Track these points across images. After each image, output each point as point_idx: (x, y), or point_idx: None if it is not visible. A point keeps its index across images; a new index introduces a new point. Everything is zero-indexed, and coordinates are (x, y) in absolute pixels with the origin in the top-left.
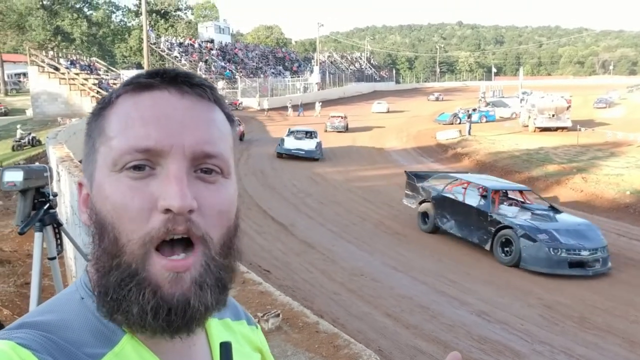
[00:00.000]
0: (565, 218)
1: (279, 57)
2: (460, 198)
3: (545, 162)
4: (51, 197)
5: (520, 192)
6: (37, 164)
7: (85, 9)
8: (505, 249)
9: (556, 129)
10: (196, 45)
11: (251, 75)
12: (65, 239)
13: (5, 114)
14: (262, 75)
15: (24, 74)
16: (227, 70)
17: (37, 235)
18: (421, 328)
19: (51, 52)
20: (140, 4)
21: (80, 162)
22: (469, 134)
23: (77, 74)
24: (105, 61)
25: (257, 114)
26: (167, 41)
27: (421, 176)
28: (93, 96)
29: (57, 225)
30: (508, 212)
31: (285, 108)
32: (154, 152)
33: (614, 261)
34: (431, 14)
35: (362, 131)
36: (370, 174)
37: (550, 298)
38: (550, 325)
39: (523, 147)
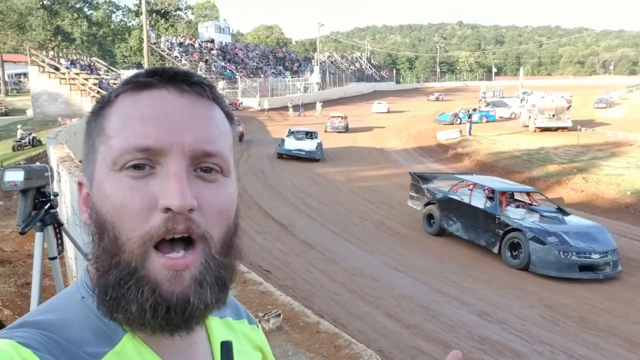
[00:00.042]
0: (574, 220)
1: (279, 57)
2: (466, 200)
3: (546, 162)
4: (52, 197)
5: (527, 193)
6: (37, 163)
7: (86, 9)
8: (514, 252)
9: (556, 129)
10: (196, 45)
11: (251, 75)
12: (66, 239)
13: (6, 114)
14: (262, 75)
15: (25, 74)
16: (228, 70)
17: (38, 235)
18: (422, 328)
19: (51, 52)
20: (140, 3)
21: (80, 162)
22: (470, 134)
23: (77, 74)
24: (106, 61)
25: (258, 114)
26: (168, 41)
27: (426, 178)
28: (93, 96)
29: (58, 225)
30: (515, 214)
31: (285, 108)
32: (153, 151)
33: None
34: (431, 14)
35: (363, 131)
36: (371, 174)
37: (550, 298)
38: (550, 326)
39: (523, 147)
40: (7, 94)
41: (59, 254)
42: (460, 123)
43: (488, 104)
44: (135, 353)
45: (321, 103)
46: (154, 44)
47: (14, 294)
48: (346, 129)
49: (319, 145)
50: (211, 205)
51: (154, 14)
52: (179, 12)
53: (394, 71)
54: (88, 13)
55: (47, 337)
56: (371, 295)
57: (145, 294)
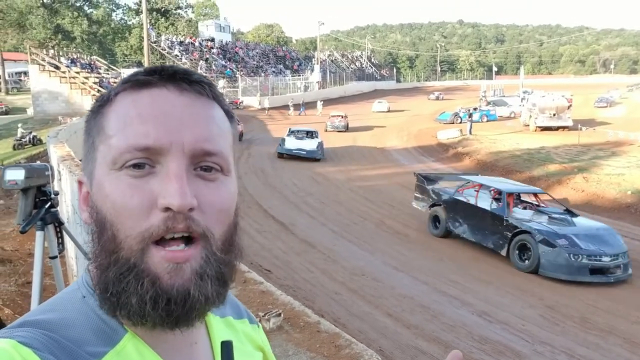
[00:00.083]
0: (583, 222)
1: (280, 56)
2: (472, 201)
3: (547, 161)
4: (52, 195)
5: (534, 194)
6: (38, 162)
7: (86, 8)
8: (523, 254)
9: (557, 128)
10: (197, 44)
11: (252, 74)
12: (67, 238)
13: (6, 112)
14: (262, 74)
15: (25, 73)
16: (228, 69)
17: (39, 234)
18: (422, 328)
19: (52, 51)
20: (140, 2)
21: (80, 160)
22: (470, 133)
23: (77, 72)
24: (106, 60)
25: (258, 113)
26: (168, 40)
27: (431, 179)
28: (93, 95)
29: (59, 224)
30: (524, 216)
31: (286, 107)
32: (153, 150)
33: None
34: (432, 13)
35: (363, 130)
36: (371, 174)
37: (551, 298)
38: (551, 326)
39: (524, 146)
40: (7, 93)
41: (59, 253)
42: (460, 122)
43: (488, 103)
44: (136, 352)
45: (322, 102)
46: (155, 42)
47: (15, 292)
48: (346, 128)
49: (320, 144)
50: (211, 204)
51: (154, 13)
52: (179, 11)
53: (395, 70)
54: (88, 12)
55: (48, 337)
56: (372, 295)
57: (145, 286)
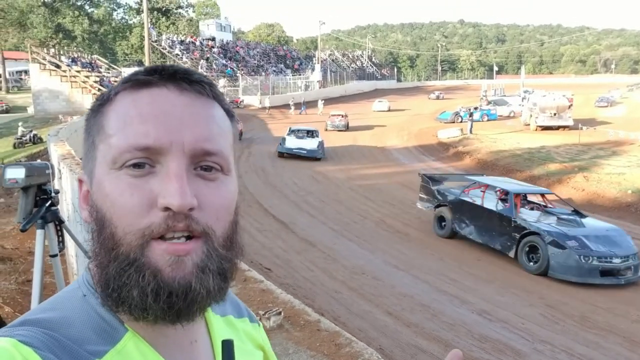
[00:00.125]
0: (593, 223)
1: (281, 55)
2: (479, 202)
3: (547, 160)
4: (53, 194)
5: (542, 195)
6: (39, 161)
7: (87, 7)
8: (531, 256)
9: (558, 127)
10: (197, 43)
11: (252, 73)
12: (67, 236)
13: (7, 111)
14: (263, 73)
15: (26, 72)
16: (229, 68)
17: (39, 233)
18: (422, 327)
19: (52, 50)
20: (141, 1)
21: (81, 159)
22: (471, 132)
23: (78, 71)
24: (107, 59)
25: (259, 112)
26: (169, 39)
27: (436, 179)
28: (94, 94)
29: (59, 223)
30: (531, 217)
31: (286, 106)
32: (153, 150)
33: None
34: (433, 12)
35: (363, 130)
36: (372, 173)
37: (551, 297)
38: (551, 324)
39: (524, 145)
40: (8, 92)
41: (59, 252)
42: (461, 121)
43: (489, 103)
44: (136, 351)
45: (323, 101)
46: (155, 41)
47: (15, 291)
48: (347, 128)
49: (321, 143)
50: (211, 203)
51: (155, 12)
52: (180, 10)
53: (395, 69)
54: (89, 11)
55: (49, 336)
56: (372, 294)
57: (146, 278)
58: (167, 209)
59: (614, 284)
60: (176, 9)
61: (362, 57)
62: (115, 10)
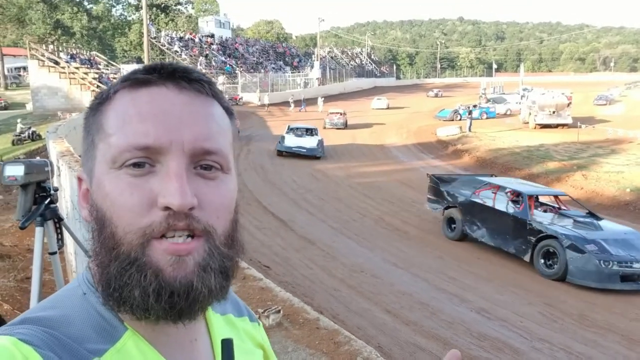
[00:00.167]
0: (610, 226)
1: (280, 52)
2: (490, 203)
3: (546, 159)
4: (52, 191)
5: (555, 196)
6: (38, 158)
7: (86, 3)
8: (548, 261)
9: (556, 125)
10: (196, 40)
11: (251, 70)
12: (66, 234)
13: (5, 108)
14: (262, 70)
15: (24, 68)
16: (228, 65)
17: (38, 230)
18: (421, 325)
19: (51, 46)
20: None
21: (80, 156)
22: (470, 130)
23: (77, 68)
24: (106, 55)
25: (258, 109)
26: (168, 35)
27: (445, 180)
28: (93, 90)
29: (58, 220)
30: (546, 219)
31: (285, 103)
32: (153, 149)
33: None
34: (432, 10)
35: (362, 128)
36: (371, 170)
37: (550, 295)
38: (549, 323)
39: (523, 143)
40: (6, 88)
41: (59, 249)
42: (460, 119)
43: (488, 100)
44: (136, 349)
45: (323, 98)
46: (154, 38)
47: (14, 288)
48: (345, 126)
49: (320, 142)
50: (211, 202)
51: (154, 8)
52: (179, 7)
53: (394, 67)
54: (88, 7)
55: (48, 334)
56: (371, 292)
57: (148, 278)
58: (167, 208)
59: (634, 290)
60: (175, 6)
61: (361, 54)
62: (114, 6)
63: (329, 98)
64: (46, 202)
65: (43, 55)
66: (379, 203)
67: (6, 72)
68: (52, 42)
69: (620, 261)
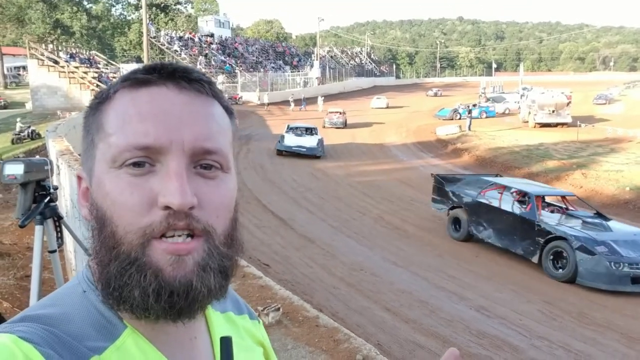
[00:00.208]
0: (619, 227)
1: (279, 52)
2: (496, 204)
3: (545, 157)
4: (52, 190)
5: (563, 197)
6: (37, 157)
7: (85, 2)
8: (557, 262)
9: (556, 124)
10: (196, 39)
11: (251, 70)
12: (66, 232)
13: (5, 107)
14: (262, 70)
15: (24, 67)
16: (227, 65)
17: (38, 229)
18: (420, 323)
19: (51, 46)
20: None
21: (79, 155)
22: (469, 129)
23: (76, 67)
24: (105, 55)
25: (257, 109)
26: (167, 35)
27: (450, 180)
28: (92, 89)
29: (58, 219)
30: (554, 220)
31: (285, 102)
32: (153, 149)
33: None
34: (432, 9)
35: (362, 127)
36: (370, 169)
37: (549, 294)
38: (548, 321)
39: (523, 142)
40: (6, 87)
41: (58, 247)
42: (459, 118)
43: (488, 100)
44: (136, 347)
45: (323, 98)
46: (154, 37)
47: (13, 286)
48: (345, 125)
49: (320, 141)
50: (211, 202)
51: (154, 8)
52: (178, 6)
53: (394, 66)
54: (87, 6)
55: (48, 332)
56: (370, 290)
57: (148, 278)
58: (167, 207)
59: None
60: (175, 5)
61: (360, 53)
62: (113, 6)
63: (328, 97)
64: (46, 200)
65: (42, 54)
66: (379, 202)
67: (6, 72)
68: (52, 42)
69: (631, 263)
